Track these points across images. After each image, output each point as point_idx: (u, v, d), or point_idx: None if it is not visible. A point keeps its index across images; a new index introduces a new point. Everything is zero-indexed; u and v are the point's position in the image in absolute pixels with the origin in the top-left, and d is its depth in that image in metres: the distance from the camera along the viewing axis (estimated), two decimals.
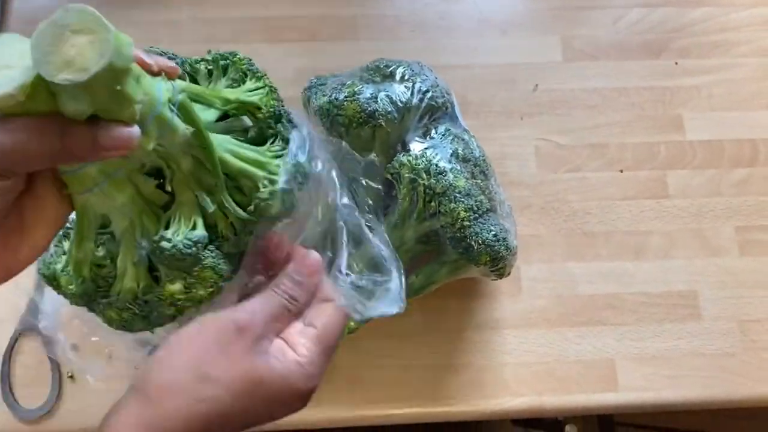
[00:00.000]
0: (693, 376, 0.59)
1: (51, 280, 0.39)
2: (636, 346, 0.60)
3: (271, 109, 0.37)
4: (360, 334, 0.54)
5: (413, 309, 0.56)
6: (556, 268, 0.62)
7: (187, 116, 0.33)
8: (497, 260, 0.51)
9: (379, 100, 0.51)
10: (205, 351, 0.34)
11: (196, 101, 0.35)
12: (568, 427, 0.85)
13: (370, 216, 0.49)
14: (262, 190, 0.36)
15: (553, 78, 0.69)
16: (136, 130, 0.29)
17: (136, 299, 0.37)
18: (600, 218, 0.64)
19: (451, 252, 0.52)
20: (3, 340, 0.57)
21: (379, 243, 0.47)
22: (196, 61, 0.38)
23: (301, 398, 0.36)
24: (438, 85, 0.55)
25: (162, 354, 0.34)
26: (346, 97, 0.52)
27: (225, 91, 0.38)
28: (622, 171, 0.66)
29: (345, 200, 0.46)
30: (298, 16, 0.70)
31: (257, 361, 0.35)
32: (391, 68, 0.54)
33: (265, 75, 0.39)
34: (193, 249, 0.35)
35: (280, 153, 0.37)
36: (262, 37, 0.70)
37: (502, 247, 0.51)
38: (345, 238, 0.44)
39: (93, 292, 0.38)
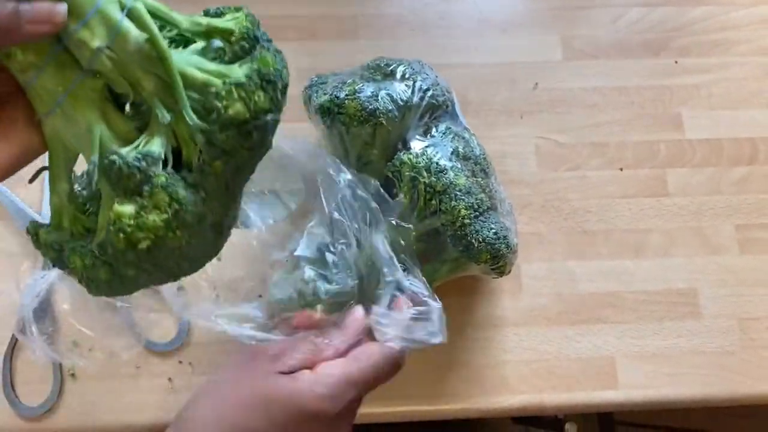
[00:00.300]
0: (693, 374, 0.59)
1: (32, 235, 0.36)
2: (636, 344, 0.60)
3: (244, 31, 0.35)
4: None
5: None
6: (556, 266, 0.62)
7: (140, 23, 0.31)
8: (497, 258, 0.52)
9: (379, 98, 0.51)
10: (223, 381, 0.39)
11: (157, 18, 0.33)
12: (568, 425, 0.86)
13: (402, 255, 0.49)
14: (217, 88, 0.33)
15: (553, 77, 0.69)
16: (62, 6, 0.29)
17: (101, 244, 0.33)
18: (600, 216, 0.64)
19: (451, 250, 0.52)
20: (4, 338, 0.58)
21: (417, 282, 0.48)
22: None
23: (315, 419, 0.38)
24: (438, 84, 0.55)
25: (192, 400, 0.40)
26: (346, 95, 0.52)
27: (195, 16, 0.36)
28: (622, 169, 0.66)
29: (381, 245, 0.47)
30: (298, 15, 0.71)
31: (268, 381, 0.38)
32: (392, 67, 0.54)
33: (247, 7, 0.36)
34: (143, 163, 0.32)
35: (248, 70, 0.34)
36: None
37: (503, 246, 0.51)
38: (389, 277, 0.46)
39: (65, 241, 0.35)
